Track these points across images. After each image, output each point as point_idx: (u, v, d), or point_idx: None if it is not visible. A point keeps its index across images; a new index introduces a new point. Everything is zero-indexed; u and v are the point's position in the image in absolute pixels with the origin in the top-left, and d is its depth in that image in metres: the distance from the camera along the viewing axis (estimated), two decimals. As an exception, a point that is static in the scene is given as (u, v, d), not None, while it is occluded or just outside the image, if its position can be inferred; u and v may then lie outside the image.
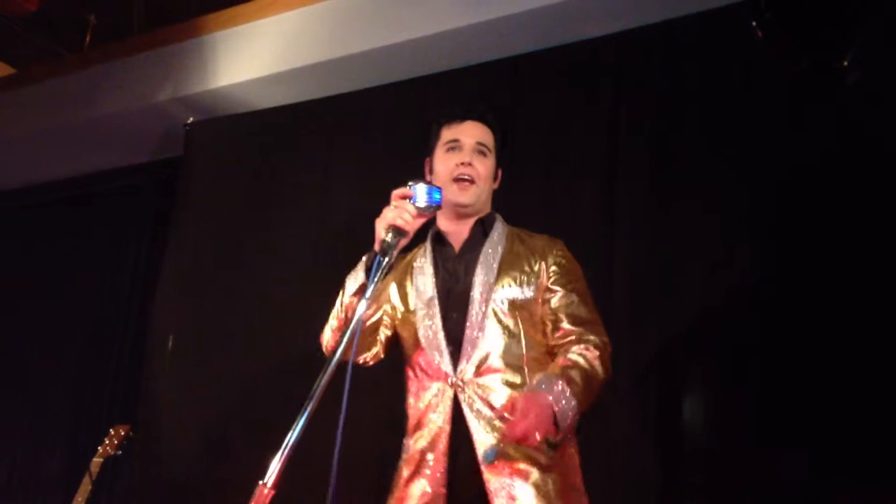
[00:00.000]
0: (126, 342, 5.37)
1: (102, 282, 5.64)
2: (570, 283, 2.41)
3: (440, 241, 2.53)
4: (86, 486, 3.63)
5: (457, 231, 2.51)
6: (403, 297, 2.49)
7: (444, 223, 2.53)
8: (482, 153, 2.50)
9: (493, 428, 2.24)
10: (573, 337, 2.34)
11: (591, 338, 2.34)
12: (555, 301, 2.38)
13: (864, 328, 2.92)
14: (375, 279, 1.99)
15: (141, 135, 5.26)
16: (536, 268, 2.41)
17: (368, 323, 2.39)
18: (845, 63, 2.61)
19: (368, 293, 1.99)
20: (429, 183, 2.13)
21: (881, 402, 2.85)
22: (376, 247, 2.08)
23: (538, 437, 2.08)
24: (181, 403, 4.47)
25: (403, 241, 2.12)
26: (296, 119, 4.64)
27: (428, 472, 2.29)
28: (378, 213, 2.15)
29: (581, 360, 2.27)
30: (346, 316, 2.32)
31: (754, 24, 2.54)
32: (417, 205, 2.10)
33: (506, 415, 2.22)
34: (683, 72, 3.56)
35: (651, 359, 3.34)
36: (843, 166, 3.10)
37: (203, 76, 4.83)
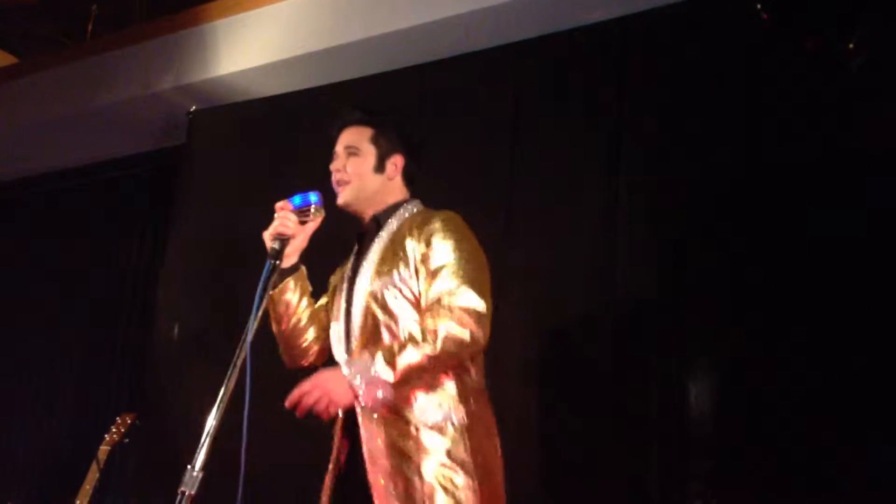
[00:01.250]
0: (131, 329, 5.39)
1: (107, 269, 5.65)
2: (431, 259, 2.33)
3: (358, 241, 2.58)
4: (93, 474, 3.66)
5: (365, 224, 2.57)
6: (329, 304, 2.60)
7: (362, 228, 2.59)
8: (352, 154, 2.52)
9: (382, 425, 2.27)
10: (426, 315, 2.27)
11: (436, 314, 2.23)
12: (421, 280, 2.34)
13: (872, 322, 2.91)
14: (267, 284, 2.19)
15: (144, 123, 5.27)
16: (408, 251, 2.38)
17: (291, 326, 2.52)
18: (850, 46, 2.61)
19: (258, 301, 2.14)
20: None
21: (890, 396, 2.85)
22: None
23: (314, 406, 2.13)
24: (186, 391, 4.49)
25: (301, 243, 2.39)
26: (298, 106, 4.63)
27: (333, 458, 2.40)
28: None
29: (412, 339, 2.20)
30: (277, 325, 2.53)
31: (759, 6, 2.53)
32: (294, 209, 2.35)
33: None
34: (687, 55, 3.54)
35: (652, 353, 3.35)
36: (849, 157, 3.09)
37: (205, 64, 4.83)
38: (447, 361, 2.23)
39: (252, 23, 4.70)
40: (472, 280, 2.28)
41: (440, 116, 4.03)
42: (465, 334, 2.20)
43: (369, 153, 2.53)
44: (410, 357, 2.17)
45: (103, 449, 3.72)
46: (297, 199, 2.36)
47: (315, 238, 2.42)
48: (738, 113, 3.36)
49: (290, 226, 2.34)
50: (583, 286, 3.53)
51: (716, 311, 3.26)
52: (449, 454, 2.22)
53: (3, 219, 6.35)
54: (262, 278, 2.19)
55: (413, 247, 2.36)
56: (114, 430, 3.79)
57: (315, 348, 2.56)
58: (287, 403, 2.16)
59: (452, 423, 2.25)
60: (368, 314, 2.37)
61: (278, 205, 2.39)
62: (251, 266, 4.46)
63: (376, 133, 2.55)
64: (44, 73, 5.53)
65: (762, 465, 3.01)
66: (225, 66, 4.77)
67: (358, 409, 2.28)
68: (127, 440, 3.81)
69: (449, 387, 2.29)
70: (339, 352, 2.45)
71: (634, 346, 3.36)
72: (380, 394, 2.15)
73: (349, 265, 2.54)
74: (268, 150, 4.69)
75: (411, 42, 4.16)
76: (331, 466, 2.40)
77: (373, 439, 2.26)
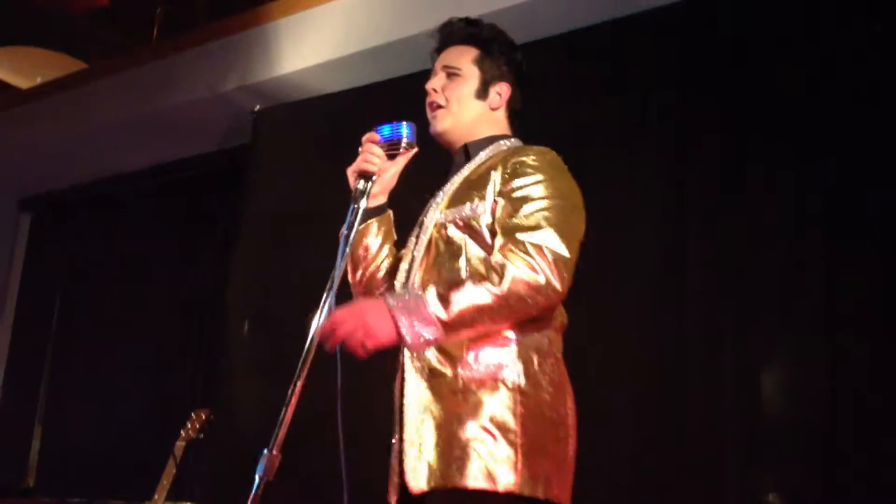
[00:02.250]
0: (205, 327, 5.47)
1: (180, 268, 5.75)
2: (516, 188, 1.98)
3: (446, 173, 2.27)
4: (170, 469, 3.71)
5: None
6: None
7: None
8: (452, 75, 2.21)
9: (424, 370, 1.97)
10: (501, 244, 1.93)
11: (508, 250, 1.88)
12: (498, 210, 1.99)
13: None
14: (353, 228, 1.98)
15: (210, 124, 5.34)
16: (488, 181, 2.04)
17: (368, 275, 2.27)
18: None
19: (344, 244, 1.95)
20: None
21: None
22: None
23: (347, 339, 1.82)
24: (258, 387, 4.54)
25: (389, 181, 2.15)
26: (361, 102, 4.65)
27: (395, 426, 2.06)
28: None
29: (475, 273, 1.88)
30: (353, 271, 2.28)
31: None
32: (380, 141, 2.10)
33: (435, 362, 1.95)
34: (748, 41, 3.48)
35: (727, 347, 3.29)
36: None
37: (268, 63, 4.87)
38: (514, 307, 1.84)
39: (312, 21, 4.73)
40: (558, 222, 1.91)
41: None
42: (539, 277, 1.83)
43: (472, 76, 2.21)
44: (470, 294, 1.81)
45: (179, 444, 3.77)
46: (385, 130, 2.11)
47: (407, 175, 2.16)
48: (809, 100, 3.28)
49: (377, 161, 2.08)
50: (647, 287, 3.49)
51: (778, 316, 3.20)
52: (492, 417, 1.87)
53: (77, 221, 6.50)
54: (346, 221, 1.97)
55: (495, 177, 2.02)
56: (189, 425, 3.83)
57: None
58: (316, 335, 1.83)
59: (504, 382, 1.90)
60: (431, 247, 2.07)
61: (365, 136, 2.13)
62: (318, 259, 4.55)
63: (482, 55, 2.23)
64: (112, 77, 5.63)
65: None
66: (287, 64, 4.80)
67: (404, 353, 2.00)
68: (202, 436, 3.84)
69: (510, 338, 1.94)
70: (398, 283, 2.15)
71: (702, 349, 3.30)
72: (427, 333, 1.80)
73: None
74: (331, 147, 4.70)
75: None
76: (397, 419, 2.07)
77: (415, 384, 1.97)
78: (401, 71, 4.49)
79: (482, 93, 2.22)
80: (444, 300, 1.81)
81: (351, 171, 2.13)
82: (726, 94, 3.49)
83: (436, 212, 2.11)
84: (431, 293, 1.82)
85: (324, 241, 4.50)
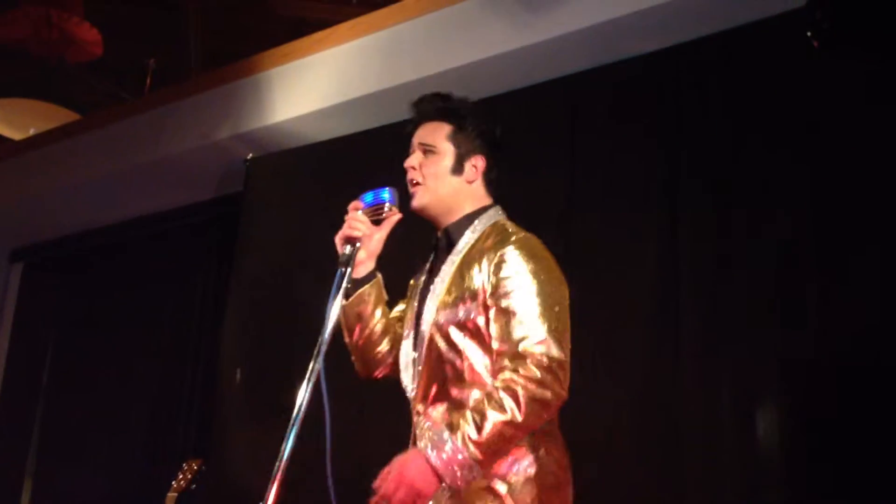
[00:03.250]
0: (197, 376, 5.44)
1: (172, 317, 5.72)
2: (504, 295, 2.06)
3: (434, 248, 2.36)
4: (162, 521, 3.67)
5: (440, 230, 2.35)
6: (405, 313, 2.40)
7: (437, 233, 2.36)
8: (428, 152, 2.29)
9: None
10: (501, 362, 2.03)
11: (520, 367, 1.98)
12: (491, 317, 2.08)
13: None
14: (339, 293, 2.06)
15: (203, 172, 5.35)
16: (476, 281, 2.12)
17: (364, 338, 2.35)
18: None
19: (331, 308, 2.04)
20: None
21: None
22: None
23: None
24: (251, 436, 4.51)
25: (375, 246, 2.24)
26: (354, 150, 4.67)
27: None
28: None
29: (494, 403, 1.96)
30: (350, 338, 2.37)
31: (809, 34, 2.49)
32: (364, 208, 2.18)
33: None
34: (741, 83, 3.51)
35: (723, 378, 3.29)
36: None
37: (261, 112, 4.90)
38: (532, 425, 1.99)
39: (304, 70, 4.77)
40: (551, 326, 2.03)
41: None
42: (547, 394, 1.97)
43: (446, 152, 2.29)
44: (496, 428, 1.93)
45: (170, 496, 3.73)
46: (368, 197, 2.19)
47: (395, 235, 2.22)
48: (799, 141, 3.31)
49: (362, 227, 2.18)
50: (643, 316, 3.49)
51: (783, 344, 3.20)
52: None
53: (69, 271, 6.48)
54: (334, 287, 2.05)
55: (482, 277, 2.10)
56: (181, 476, 3.79)
57: (390, 360, 2.37)
58: (374, 489, 1.98)
59: (516, 474, 2.04)
60: (433, 346, 2.15)
61: (350, 205, 2.22)
62: (311, 307, 4.55)
63: (455, 129, 2.31)
64: (105, 128, 5.65)
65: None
66: (280, 113, 4.83)
67: (415, 436, 2.13)
68: (194, 486, 3.80)
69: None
70: (406, 376, 2.26)
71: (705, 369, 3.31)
72: (469, 475, 1.93)
73: (423, 277, 2.34)
74: (324, 194, 4.72)
75: (464, 80, 4.18)
76: None
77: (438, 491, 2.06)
78: (392, 118, 4.52)
79: (458, 168, 2.29)
80: (477, 444, 1.92)
81: (338, 238, 2.22)
82: (716, 136, 3.52)
83: (432, 307, 2.19)
84: (465, 441, 1.92)
85: (317, 289, 4.53)
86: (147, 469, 5.32)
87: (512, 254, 2.11)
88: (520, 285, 2.07)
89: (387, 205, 2.17)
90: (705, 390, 3.28)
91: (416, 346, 2.22)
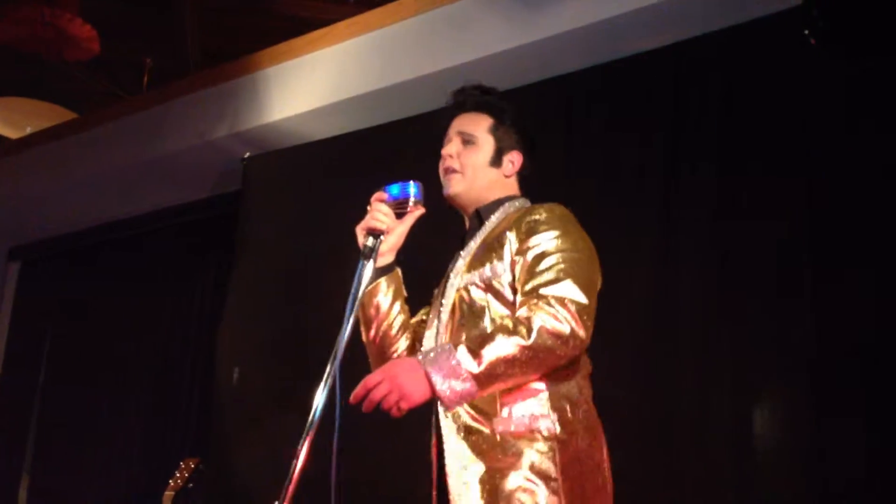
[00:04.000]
0: (196, 374, 5.44)
1: (170, 316, 5.73)
2: (531, 247, 2.04)
3: (461, 242, 2.32)
4: (159, 520, 3.68)
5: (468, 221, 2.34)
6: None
7: (465, 223, 2.35)
8: (467, 142, 2.28)
9: (461, 430, 2.03)
10: (524, 303, 1.98)
11: (535, 303, 1.94)
12: (517, 269, 2.06)
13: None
14: (362, 285, 2.01)
15: (200, 171, 5.36)
16: (504, 243, 2.10)
17: (381, 334, 2.31)
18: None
19: (353, 299, 1.98)
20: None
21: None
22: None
23: (382, 402, 1.84)
24: (249, 436, 4.51)
25: (397, 240, 2.20)
26: (350, 148, 4.68)
27: (431, 479, 2.15)
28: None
29: (503, 328, 1.91)
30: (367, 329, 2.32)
31: (807, 32, 2.49)
32: (389, 200, 2.14)
33: (471, 420, 2.01)
34: (737, 80, 3.52)
35: (719, 379, 3.29)
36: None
37: (258, 111, 4.91)
38: (543, 358, 1.90)
39: (301, 69, 4.77)
40: (575, 273, 1.98)
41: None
42: (563, 328, 1.89)
43: (487, 144, 2.29)
44: (499, 347, 1.86)
45: (168, 494, 3.73)
46: (394, 189, 2.14)
47: (417, 234, 2.19)
48: (796, 139, 3.32)
49: (385, 220, 2.13)
50: (639, 313, 3.50)
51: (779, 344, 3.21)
52: (532, 467, 1.93)
53: (66, 269, 6.49)
54: (356, 279, 2.00)
55: (511, 238, 2.09)
56: (178, 475, 3.80)
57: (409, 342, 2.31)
58: (352, 398, 1.86)
59: (540, 432, 1.95)
60: (455, 310, 2.12)
61: (374, 195, 2.18)
62: (309, 306, 4.56)
63: (496, 123, 2.31)
64: (102, 126, 5.66)
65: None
66: (277, 112, 4.84)
67: (439, 409, 2.03)
68: (191, 485, 3.81)
69: (540, 389, 2.00)
70: (427, 346, 2.21)
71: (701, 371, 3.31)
72: (461, 386, 1.84)
73: (452, 263, 2.28)
74: (321, 193, 4.73)
75: (461, 79, 4.16)
76: (433, 477, 2.14)
77: (454, 443, 2.02)
78: (389, 117, 4.53)
79: (496, 161, 2.30)
80: (475, 354, 1.86)
81: (360, 229, 2.17)
82: (717, 137, 3.52)
83: (456, 277, 2.17)
84: (462, 349, 1.86)
85: (314, 287, 4.55)
86: (144, 467, 5.33)
87: (540, 215, 2.10)
88: (549, 239, 2.05)
89: (412, 199, 2.13)
90: (702, 388, 3.29)
91: (439, 321, 2.17)
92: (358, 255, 2.11)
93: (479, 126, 2.31)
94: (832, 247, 3.16)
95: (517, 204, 2.28)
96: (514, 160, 2.31)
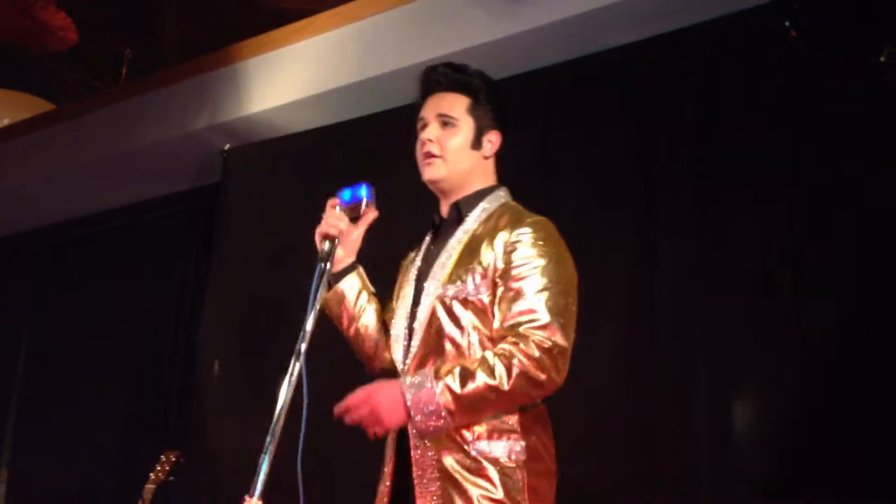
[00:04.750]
0: (175, 368, 5.42)
1: (149, 310, 5.69)
2: (514, 276, 2.05)
3: (434, 227, 2.34)
4: (139, 513, 3.66)
5: (445, 213, 2.32)
6: (396, 292, 2.37)
7: (442, 208, 2.33)
8: (447, 124, 2.24)
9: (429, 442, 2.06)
10: (504, 336, 2.02)
11: (520, 343, 1.97)
12: (499, 296, 2.06)
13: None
14: (319, 288, 2.04)
15: (179, 163, 5.33)
16: (486, 258, 2.09)
17: (354, 329, 2.35)
18: (882, 59, 2.58)
19: (312, 304, 2.01)
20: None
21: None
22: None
23: (360, 423, 1.97)
24: (230, 429, 4.50)
25: (354, 243, 2.26)
26: (331, 141, 4.66)
27: (385, 469, 2.19)
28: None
29: (485, 366, 1.95)
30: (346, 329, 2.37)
31: (787, 24, 2.51)
32: (341, 206, 2.18)
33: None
34: (719, 74, 3.53)
35: (696, 367, 3.30)
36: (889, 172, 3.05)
37: (238, 103, 4.88)
38: (519, 400, 2.00)
39: (282, 60, 4.75)
40: (558, 311, 2.01)
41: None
42: (541, 375, 1.95)
43: (466, 125, 2.25)
44: (479, 389, 1.93)
45: (148, 488, 3.72)
46: (345, 194, 2.18)
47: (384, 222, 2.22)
48: (777, 133, 3.33)
49: (339, 224, 2.17)
50: (619, 307, 3.51)
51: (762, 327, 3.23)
52: (507, 492, 1.98)
53: (43, 263, 6.44)
54: (314, 282, 2.04)
55: (493, 255, 2.09)
56: (158, 468, 3.79)
57: (388, 355, 2.30)
58: (335, 412, 1.98)
59: (510, 458, 2.02)
60: (434, 321, 2.12)
61: (329, 201, 2.21)
62: (290, 298, 4.54)
63: (473, 102, 2.26)
64: (80, 118, 5.61)
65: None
66: (257, 103, 4.81)
67: (410, 429, 2.07)
68: (172, 478, 3.79)
69: (511, 417, 2.05)
70: (397, 352, 2.20)
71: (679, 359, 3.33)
72: (437, 423, 1.94)
73: (420, 254, 2.31)
74: (301, 185, 4.72)
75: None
76: (382, 486, 2.18)
77: (425, 461, 2.04)
78: (370, 109, 4.52)
79: (477, 143, 2.26)
80: (457, 398, 1.93)
81: (317, 235, 2.20)
82: (698, 131, 3.53)
83: (437, 279, 2.16)
84: (443, 388, 1.94)
85: (295, 279, 4.53)
86: (125, 460, 5.31)
87: (527, 236, 2.09)
88: (532, 268, 2.05)
89: (364, 202, 2.17)
90: (682, 384, 3.30)
91: (412, 319, 2.18)
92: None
93: (456, 106, 2.26)
94: (817, 245, 3.17)
95: (500, 196, 2.27)
96: (492, 140, 2.29)
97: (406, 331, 2.19)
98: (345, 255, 2.28)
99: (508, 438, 2.04)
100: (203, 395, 4.72)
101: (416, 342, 2.15)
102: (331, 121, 4.69)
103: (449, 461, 2.02)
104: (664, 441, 3.27)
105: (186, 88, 5.13)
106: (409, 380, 1.99)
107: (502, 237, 2.10)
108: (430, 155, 2.25)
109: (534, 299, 2.01)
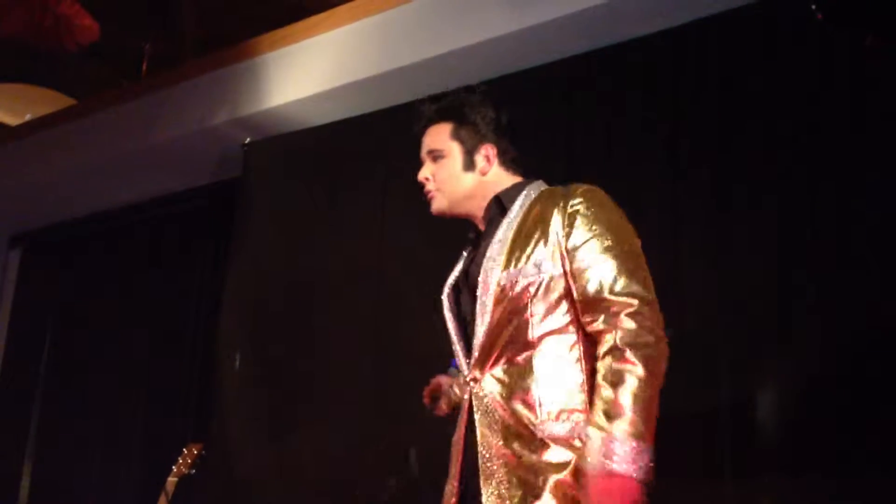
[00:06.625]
0: (196, 362, 5.44)
1: (171, 303, 5.71)
2: (581, 245, 2.04)
3: (470, 241, 2.34)
4: (162, 506, 3.67)
5: (479, 223, 2.30)
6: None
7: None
8: (437, 158, 2.27)
9: (496, 422, 2.05)
10: (594, 325, 1.99)
11: (614, 326, 1.95)
12: (569, 269, 2.03)
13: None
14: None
15: (200, 157, 5.34)
16: (548, 231, 2.07)
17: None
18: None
19: None
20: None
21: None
22: None
23: None
24: (250, 421, 4.52)
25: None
26: (350, 134, 4.66)
27: (452, 471, 2.16)
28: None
29: (618, 382, 1.90)
30: None
31: (814, 7, 2.48)
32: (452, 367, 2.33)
33: (507, 417, 2.04)
34: (741, 64, 3.50)
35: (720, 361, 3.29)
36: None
37: (258, 97, 4.89)
38: (658, 372, 1.94)
39: (302, 53, 4.75)
40: (633, 269, 2.01)
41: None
42: (648, 337, 1.93)
43: (454, 152, 2.26)
44: (639, 404, 1.88)
45: (171, 480, 3.73)
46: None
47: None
48: (799, 124, 3.31)
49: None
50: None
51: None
52: (575, 473, 1.94)
53: (66, 256, 6.48)
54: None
55: (555, 228, 2.06)
56: (181, 461, 3.79)
57: None
58: None
59: (581, 438, 1.96)
60: (497, 308, 2.08)
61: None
62: (309, 292, 4.55)
63: (456, 126, 2.27)
64: (101, 113, 5.63)
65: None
66: (277, 97, 4.81)
67: (476, 417, 2.07)
68: (194, 471, 3.80)
69: (578, 396, 2.01)
70: (459, 346, 2.20)
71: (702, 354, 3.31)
72: (644, 455, 1.87)
73: (459, 265, 2.30)
74: (321, 179, 4.72)
75: (462, 63, 4.17)
76: (449, 487, 2.16)
77: (490, 448, 2.03)
78: (390, 102, 4.51)
79: (469, 164, 2.26)
80: (633, 433, 1.87)
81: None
82: (718, 121, 3.50)
83: (494, 269, 2.11)
84: (620, 435, 1.87)
85: (313, 274, 4.54)
86: (147, 454, 5.33)
87: (583, 205, 2.07)
88: (596, 235, 2.04)
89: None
90: (704, 372, 3.28)
91: (476, 310, 2.13)
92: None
93: (440, 137, 2.28)
94: (834, 240, 3.15)
95: (539, 185, 2.26)
96: (487, 154, 2.27)
97: (455, 330, 2.22)
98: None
99: (574, 418, 1.99)
100: (223, 388, 4.74)
101: (479, 334, 2.11)
102: (350, 114, 4.69)
103: (516, 446, 2.00)
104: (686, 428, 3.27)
105: (206, 83, 5.14)
106: (589, 461, 1.89)
107: (558, 211, 2.08)
108: (428, 193, 2.29)
109: (605, 267, 2.00)
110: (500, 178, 2.27)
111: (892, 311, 2.96)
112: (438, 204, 2.27)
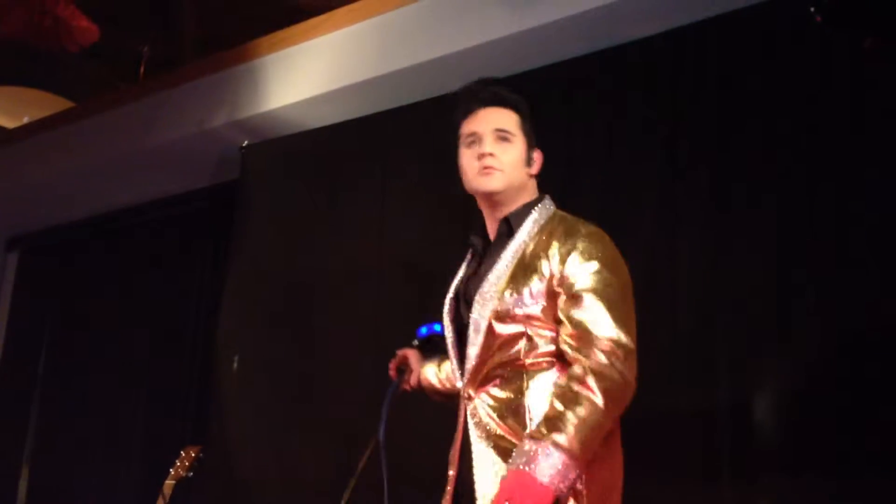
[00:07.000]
0: (195, 363, 5.43)
1: (168, 305, 5.71)
2: (574, 284, 2.09)
3: (482, 238, 2.37)
4: (160, 508, 3.66)
5: (492, 228, 2.34)
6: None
7: (486, 220, 2.35)
8: (504, 139, 2.26)
9: (490, 438, 2.12)
10: (569, 351, 2.06)
11: (586, 356, 2.00)
12: (560, 304, 2.10)
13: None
14: (390, 403, 2.34)
15: (198, 160, 5.34)
16: (546, 267, 2.13)
17: (446, 391, 2.53)
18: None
19: (385, 415, 2.27)
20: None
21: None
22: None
23: None
24: (249, 424, 4.52)
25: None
26: (349, 136, 4.66)
27: (448, 488, 2.23)
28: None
29: (571, 401, 1.95)
30: None
31: (812, 9, 2.49)
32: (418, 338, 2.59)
33: (501, 431, 2.11)
34: (740, 65, 3.51)
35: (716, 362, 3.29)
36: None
37: (256, 99, 4.89)
38: (612, 409, 1.99)
39: (300, 56, 4.75)
40: (620, 314, 2.06)
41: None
42: (615, 376, 1.98)
43: (520, 142, 2.28)
44: (584, 427, 1.93)
45: (168, 483, 3.72)
46: (422, 329, 2.56)
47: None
48: (798, 126, 3.31)
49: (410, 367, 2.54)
50: (639, 297, 3.49)
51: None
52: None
53: (65, 259, 6.47)
54: (388, 396, 2.33)
55: (553, 265, 2.12)
56: (178, 463, 3.78)
57: None
58: None
59: (591, 473, 2.01)
60: (492, 329, 2.15)
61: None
62: (308, 295, 4.55)
63: (522, 120, 2.30)
64: (100, 115, 5.63)
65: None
66: (275, 99, 4.82)
67: (472, 435, 2.15)
68: (192, 473, 3.79)
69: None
70: (454, 361, 2.29)
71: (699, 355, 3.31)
72: (570, 475, 1.92)
73: (461, 273, 2.36)
74: (320, 181, 4.72)
75: (462, 66, 4.16)
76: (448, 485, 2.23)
77: (486, 465, 2.10)
78: (389, 104, 4.51)
79: (528, 159, 2.30)
80: (570, 447, 1.91)
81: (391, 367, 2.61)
82: (717, 123, 3.51)
83: (493, 290, 2.17)
84: (558, 449, 1.91)
85: (312, 276, 4.54)
86: (147, 454, 5.33)
87: (584, 245, 2.13)
88: (591, 276, 2.09)
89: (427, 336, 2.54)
90: (702, 371, 3.28)
91: (469, 329, 2.21)
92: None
93: (511, 123, 2.29)
94: (833, 240, 3.16)
95: (547, 206, 2.30)
96: (537, 158, 2.33)
97: (453, 342, 2.30)
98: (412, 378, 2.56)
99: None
100: (222, 390, 4.74)
101: (474, 352, 2.18)
102: (349, 116, 4.69)
103: (508, 450, 2.06)
104: (683, 428, 3.27)
105: (205, 85, 5.14)
106: (517, 460, 1.95)
107: (557, 248, 2.14)
108: (490, 169, 2.25)
109: (594, 307, 2.05)
110: (534, 185, 2.33)
111: (892, 311, 2.97)
112: (498, 182, 2.25)
